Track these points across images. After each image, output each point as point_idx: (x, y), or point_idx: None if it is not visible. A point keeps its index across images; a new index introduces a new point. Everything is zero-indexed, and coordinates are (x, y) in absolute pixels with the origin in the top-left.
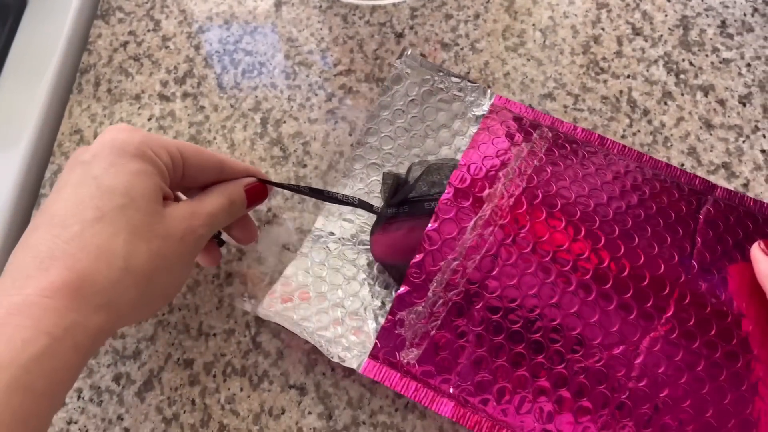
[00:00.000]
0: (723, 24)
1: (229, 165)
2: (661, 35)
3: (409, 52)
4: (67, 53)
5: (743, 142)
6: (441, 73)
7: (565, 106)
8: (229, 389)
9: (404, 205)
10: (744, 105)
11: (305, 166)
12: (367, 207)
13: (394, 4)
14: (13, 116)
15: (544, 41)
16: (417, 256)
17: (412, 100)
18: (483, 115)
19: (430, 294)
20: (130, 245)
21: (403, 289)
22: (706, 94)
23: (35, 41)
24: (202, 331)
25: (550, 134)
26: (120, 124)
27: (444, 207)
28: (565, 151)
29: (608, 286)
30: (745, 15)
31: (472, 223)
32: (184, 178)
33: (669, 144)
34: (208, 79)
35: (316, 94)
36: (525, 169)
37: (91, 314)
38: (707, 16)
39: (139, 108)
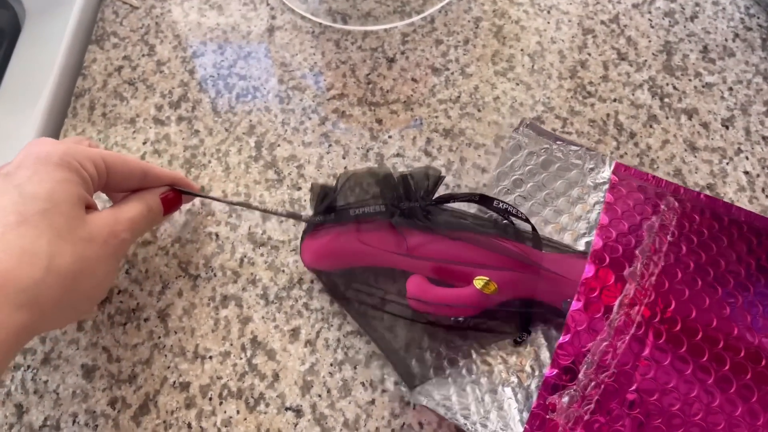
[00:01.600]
0: (705, 49)
1: (152, 172)
2: (646, 60)
3: (527, 123)
4: (61, 78)
5: (727, 163)
6: (559, 142)
7: (554, 129)
8: (225, 412)
9: (330, 212)
10: (727, 128)
11: (300, 188)
12: (295, 216)
13: (385, 30)
14: (7, 141)
15: (532, 66)
16: (563, 336)
17: (531, 169)
18: (603, 182)
19: (581, 376)
20: (54, 246)
21: (550, 371)
22: (690, 118)
23: (30, 66)
24: (198, 353)
25: (676, 204)
26: (42, 137)
27: (586, 286)
28: (695, 223)
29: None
30: (726, 40)
31: (617, 302)
32: (108, 185)
33: (655, 166)
34: (203, 103)
35: (310, 118)
36: (660, 246)
37: (13, 312)
38: (690, 41)
39: (134, 132)
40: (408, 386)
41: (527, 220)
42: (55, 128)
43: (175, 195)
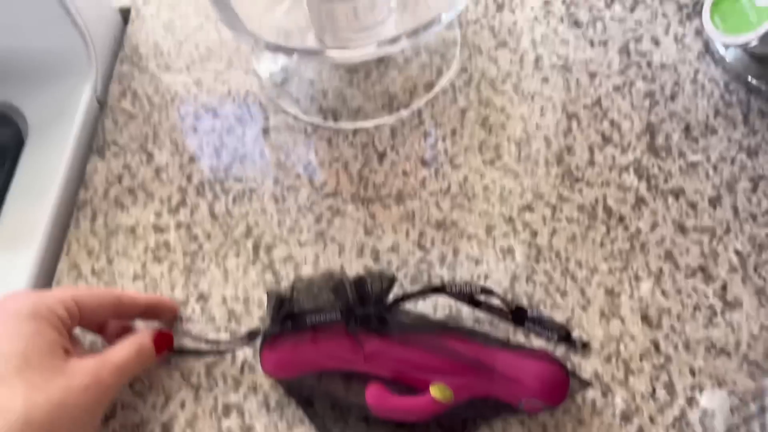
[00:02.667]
0: (687, 128)
1: (126, 298)
2: (630, 142)
3: None
4: (65, 189)
5: (717, 244)
6: None
7: (544, 217)
8: None
9: (287, 321)
10: (714, 207)
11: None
12: (253, 335)
13: (375, 126)
14: (12, 255)
15: (519, 153)
16: None
17: None
18: None
19: None
20: (29, 401)
21: None
22: (677, 198)
23: (33, 179)
24: None
25: None
26: (14, 290)
27: None
28: None
29: None
30: (707, 118)
31: None
32: (83, 321)
33: (646, 250)
34: (201, 207)
35: (305, 217)
36: None
37: None
38: (672, 121)
39: (135, 240)
40: None
41: (489, 291)
42: (59, 239)
43: (167, 335)
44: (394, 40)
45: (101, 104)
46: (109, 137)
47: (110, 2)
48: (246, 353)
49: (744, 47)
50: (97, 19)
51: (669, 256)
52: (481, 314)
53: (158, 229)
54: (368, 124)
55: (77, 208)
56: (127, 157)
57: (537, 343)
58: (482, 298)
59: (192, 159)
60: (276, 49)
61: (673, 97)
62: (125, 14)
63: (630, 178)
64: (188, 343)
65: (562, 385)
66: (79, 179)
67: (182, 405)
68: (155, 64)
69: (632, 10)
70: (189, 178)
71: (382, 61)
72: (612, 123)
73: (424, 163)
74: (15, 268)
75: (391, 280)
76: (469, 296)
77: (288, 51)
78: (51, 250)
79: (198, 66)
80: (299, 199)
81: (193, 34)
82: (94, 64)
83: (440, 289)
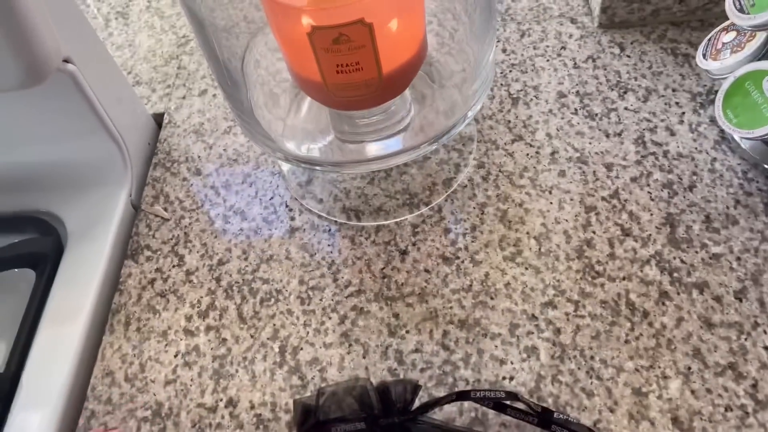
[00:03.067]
0: (707, 218)
1: None
2: (650, 234)
3: None
4: (100, 295)
5: (745, 339)
6: None
7: (567, 314)
8: None
9: (313, 430)
10: (740, 300)
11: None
12: None
13: (396, 223)
14: (50, 364)
15: (539, 248)
16: None
17: None
18: None
19: None
20: None
21: None
22: (701, 292)
23: (72, 285)
24: None
25: None
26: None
27: None
28: None
29: None
30: (728, 208)
31: None
32: None
33: (673, 347)
34: (229, 310)
35: (330, 317)
36: None
37: None
38: (691, 212)
39: (166, 345)
40: None
41: (513, 396)
42: (94, 345)
43: None
44: (414, 149)
45: (135, 208)
46: (143, 241)
47: (145, 109)
48: None
49: (761, 139)
50: (132, 127)
51: (697, 353)
52: (507, 418)
53: (189, 332)
54: (390, 221)
55: (112, 313)
56: (159, 261)
57: None
58: (508, 402)
59: (221, 261)
60: (297, 162)
61: (691, 187)
62: (158, 119)
63: (652, 272)
64: None
65: None
66: (114, 284)
67: None
68: (186, 168)
69: (645, 100)
70: (218, 281)
71: None
72: (631, 215)
73: (446, 260)
74: (51, 374)
75: (416, 387)
76: (495, 401)
77: (308, 165)
78: (87, 358)
79: (226, 169)
80: (324, 299)
81: (222, 137)
82: (129, 170)
83: (465, 395)
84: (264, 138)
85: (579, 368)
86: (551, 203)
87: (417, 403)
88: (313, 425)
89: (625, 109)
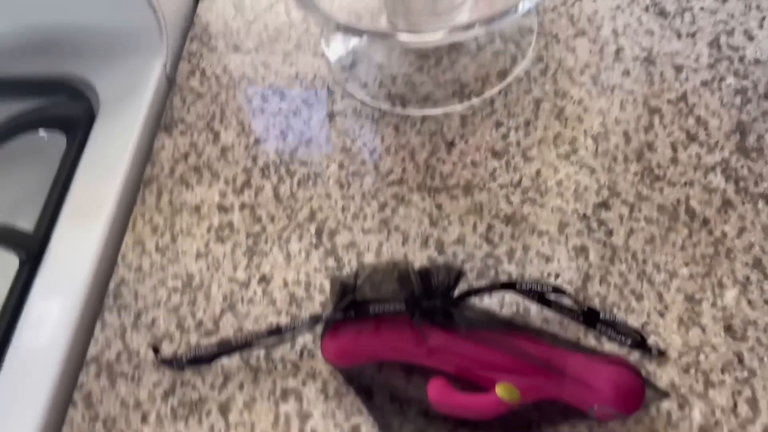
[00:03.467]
0: None
1: None
2: (717, 141)
3: None
4: (132, 165)
5: None
6: None
7: (621, 216)
8: None
9: (350, 309)
10: None
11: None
12: (315, 320)
13: (444, 113)
14: (80, 229)
15: (596, 148)
16: None
17: None
18: None
19: None
20: None
21: None
22: None
23: (103, 154)
24: None
25: None
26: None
27: None
28: None
29: None
30: None
31: None
32: None
33: (732, 256)
34: (265, 189)
35: (369, 204)
36: None
37: None
38: (765, 120)
39: (199, 219)
40: None
41: (560, 291)
42: (125, 215)
43: None
44: (468, 27)
45: (170, 82)
46: (177, 115)
47: None
48: (306, 339)
49: None
50: None
51: (757, 264)
52: (550, 314)
53: (222, 209)
54: (437, 111)
55: (143, 184)
56: (194, 136)
57: (608, 348)
58: (553, 297)
59: (258, 140)
60: (347, 30)
61: (766, 95)
62: None
63: (716, 179)
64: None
65: (637, 393)
66: (146, 156)
67: (240, 386)
68: (224, 44)
69: (724, 1)
70: (254, 159)
71: (453, 48)
72: (698, 120)
73: (495, 154)
74: (82, 240)
75: (459, 273)
76: (540, 294)
77: (359, 32)
78: (117, 225)
79: (266, 47)
80: (364, 185)
81: (263, 14)
82: (165, 41)
83: (510, 285)
84: (315, 7)
85: (630, 271)
86: (612, 103)
87: (458, 291)
88: (351, 304)
89: (701, 9)
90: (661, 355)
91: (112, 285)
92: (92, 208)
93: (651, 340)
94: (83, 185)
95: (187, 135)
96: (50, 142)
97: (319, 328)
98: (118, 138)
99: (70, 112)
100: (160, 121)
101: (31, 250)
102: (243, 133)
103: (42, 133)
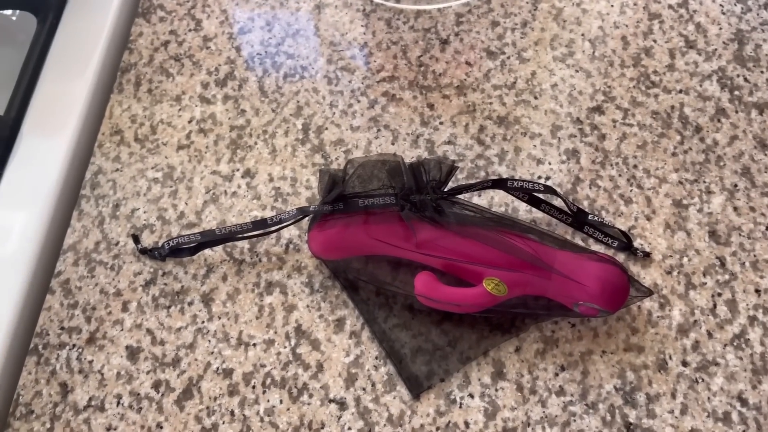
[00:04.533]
0: None
1: None
2: (716, 49)
3: None
4: (108, 51)
5: None
6: None
7: (614, 121)
8: (268, 401)
9: (339, 201)
10: None
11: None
12: (305, 212)
13: (439, 10)
14: (53, 115)
15: (593, 52)
16: None
17: None
18: None
19: None
20: None
21: None
22: (761, 113)
23: (76, 37)
24: (241, 340)
25: None
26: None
27: None
28: None
29: None
30: None
31: None
32: None
33: (722, 163)
34: (250, 81)
35: (359, 101)
36: None
37: None
38: (763, 30)
39: (180, 110)
40: (411, 392)
41: (552, 191)
42: (101, 102)
43: None
44: None
45: None
46: (156, 1)
47: None
48: (291, 233)
49: None
50: None
51: (746, 172)
52: (538, 215)
53: (205, 100)
54: (432, 7)
55: (120, 71)
56: (174, 23)
57: (595, 249)
58: (542, 197)
59: (242, 30)
60: None
61: (767, 5)
62: None
63: (712, 88)
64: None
65: (622, 291)
66: (122, 42)
67: (224, 278)
68: None
69: None
70: (238, 50)
71: None
72: (698, 27)
73: (490, 54)
74: (55, 125)
75: (452, 168)
76: (530, 194)
77: None
78: (92, 113)
79: None
80: (353, 81)
81: None
82: None
83: (501, 183)
84: None
85: (620, 175)
86: (612, 6)
87: (449, 187)
88: (339, 197)
89: None
90: (646, 256)
91: (88, 174)
92: (66, 93)
93: (637, 242)
94: (55, 68)
95: (167, 22)
96: (19, 23)
97: (305, 223)
98: (92, 22)
99: None
100: (137, 7)
101: (3, 132)
102: (226, 22)
103: (9, 13)
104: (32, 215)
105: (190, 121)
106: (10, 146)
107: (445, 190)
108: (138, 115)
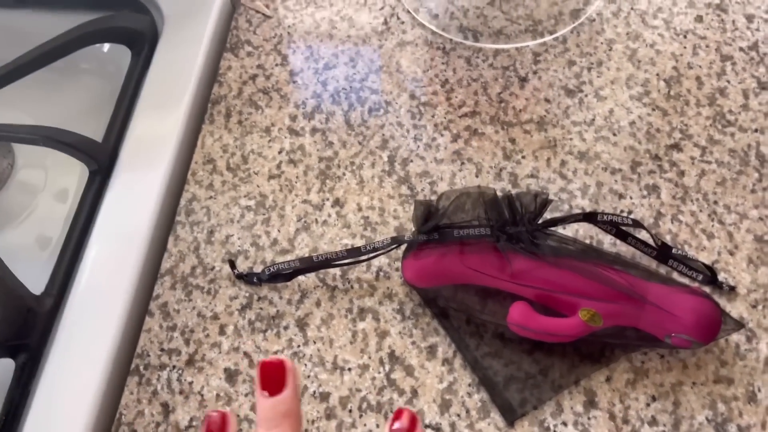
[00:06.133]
0: None
1: None
2: None
3: None
4: (199, 84)
5: None
6: None
7: (692, 158)
8: (365, 425)
9: (434, 232)
10: None
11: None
12: (399, 241)
13: (516, 48)
14: (148, 143)
15: (668, 91)
16: None
17: None
18: None
19: None
20: None
21: None
22: None
23: (169, 71)
24: (336, 365)
25: None
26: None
27: None
28: None
29: None
30: None
31: None
32: None
33: None
34: (336, 115)
35: (442, 135)
36: None
37: None
38: None
39: (270, 141)
40: (506, 420)
41: (639, 225)
42: (193, 132)
43: None
44: None
45: (234, 2)
46: (243, 36)
47: None
48: (381, 261)
49: None
50: None
51: None
52: (622, 248)
53: (293, 132)
54: (510, 46)
55: (211, 103)
56: (261, 58)
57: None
58: (631, 230)
59: (327, 66)
60: None
61: None
62: None
63: None
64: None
65: (716, 323)
66: (212, 75)
67: (317, 304)
68: None
69: None
70: (324, 85)
71: None
72: None
73: (568, 91)
74: (151, 154)
75: (546, 201)
76: (618, 226)
77: None
78: (186, 142)
79: None
80: (436, 116)
81: None
82: None
83: (592, 216)
84: None
85: (701, 210)
86: (685, 47)
87: (542, 219)
88: (435, 227)
89: None
90: (731, 290)
91: (183, 201)
92: (160, 123)
93: (721, 276)
94: (150, 100)
95: (255, 56)
96: (109, 55)
97: (396, 251)
98: (183, 56)
99: (135, 26)
100: (226, 42)
101: (102, 159)
102: (311, 57)
103: (104, 46)
104: (131, 239)
105: (280, 152)
106: (110, 173)
107: (539, 222)
108: (229, 145)
